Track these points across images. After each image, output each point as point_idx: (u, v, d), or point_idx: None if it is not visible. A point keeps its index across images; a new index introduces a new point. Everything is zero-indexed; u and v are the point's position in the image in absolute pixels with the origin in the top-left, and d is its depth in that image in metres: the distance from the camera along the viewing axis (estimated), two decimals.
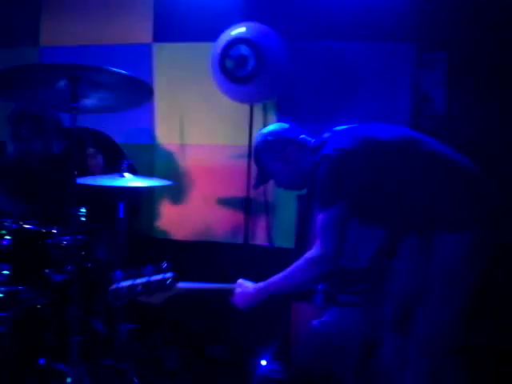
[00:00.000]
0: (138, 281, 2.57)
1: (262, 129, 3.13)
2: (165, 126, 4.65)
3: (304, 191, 3.10)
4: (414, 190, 2.67)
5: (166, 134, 4.66)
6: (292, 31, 4.27)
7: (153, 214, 4.70)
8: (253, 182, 3.11)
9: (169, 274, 2.61)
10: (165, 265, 2.61)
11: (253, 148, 3.02)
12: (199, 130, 4.59)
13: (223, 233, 4.55)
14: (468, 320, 2.65)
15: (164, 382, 3.89)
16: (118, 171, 3.42)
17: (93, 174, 3.68)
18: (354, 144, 2.69)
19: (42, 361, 3.21)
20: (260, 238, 4.47)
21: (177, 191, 4.62)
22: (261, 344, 3.86)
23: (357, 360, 3.17)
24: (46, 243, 3.24)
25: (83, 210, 3.23)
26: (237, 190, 4.37)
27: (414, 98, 4.18)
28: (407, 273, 2.83)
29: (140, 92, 3.31)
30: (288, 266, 2.69)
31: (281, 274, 2.69)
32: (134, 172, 3.78)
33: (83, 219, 3.27)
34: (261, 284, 2.73)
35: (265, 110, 4.41)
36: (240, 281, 2.79)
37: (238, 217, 4.40)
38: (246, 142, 4.23)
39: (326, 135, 2.85)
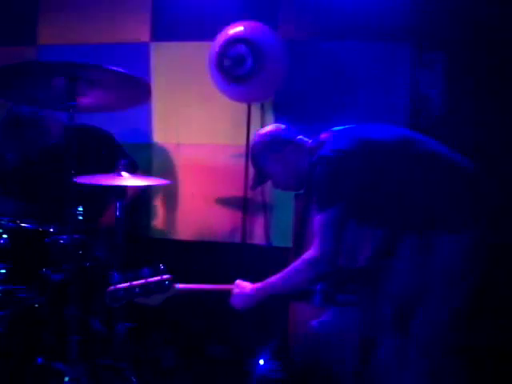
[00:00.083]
0: (136, 282, 2.57)
1: (259, 128, 3.15)
2: (162, 125, 4.64)
3: (301, 191, 3.10)
4: (413, 190, 2.67)
5: (163, 133, 4.65)
6: (290, 30, 4.29)
7: (150, 214, 4.69)
8: (250, 181, 3.11)
9: (166, 276, 2.61)
10: (162, 266, 2.61)
11: (250, 149, 3.02)
12: (197, 129, 4.58)
13: (221, 232, 4.54)
14: (468, 320, 2.65)
15: (162, 381, 3.89)
16: (116, 170, 3.40)
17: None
18: (352, 145, 2.69)
19: (40, 360, 3.20)
20: (258, 238, 4.46)
21: (174, 191, 4.61)
22: (259, 343, 3.85)
23: (355, 360, 3.16)
24: (43, 242, 3.23)
25: (80, 208, 3.22)
26: (234, 189, 4.36)
27: (413, 98, 4.18)
28: (407, 273, 2.82)
29: (138, 91, 3.30)
30: (286, 265, 2.70)
31: (278, 275, 2.70)
32: (135, 169, 3.79)
33: (81, 218, 3.25)
34: (258, 285, 2.73)
35: (262, 109, 4.40)
36: (238, 281, 2.79)
37: (236, 216, 4.39)
38: (244, 142, 4.23)
39: (324, 136, 2.85)
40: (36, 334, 3.30)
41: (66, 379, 2.95)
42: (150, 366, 3.92)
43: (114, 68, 2.93)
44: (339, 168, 2.64)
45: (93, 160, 3.61)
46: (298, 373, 3.58)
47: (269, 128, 3.01)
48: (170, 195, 4.63)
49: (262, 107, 4.40)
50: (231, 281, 2.80)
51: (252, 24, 4.05)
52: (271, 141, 2.89)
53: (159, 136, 4.65)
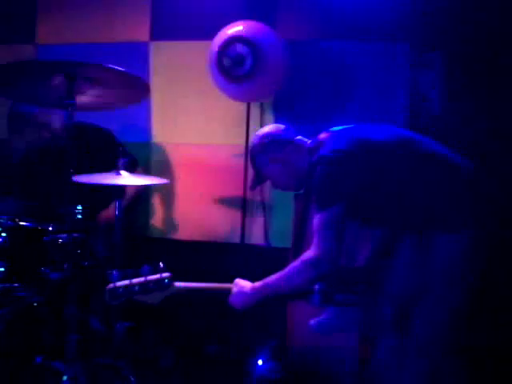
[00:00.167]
0: (135, 280, 2.57)
1: (258, 128, 3.14)
2: (161, 124, 4.64)
3: (301, 192, 3.10)
4: (412, 190, 2.67)
5: (162, 133, 4.64)
6: (289, 30, 4.28)
7: (149, 213, 4.68)
8: (249, 181, 3.11)
9: (166, 274, 2.61)
10: (162, 265, 2.61)
11: (249, 149, 3.01)
12: (196, 129, 4.57)
13: (220, 232, 4.54)
14: (468, 320, 2.64)
15: (160, 380, 3.89)
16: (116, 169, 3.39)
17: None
18: (351, 145, 2.70)
19: (38, 359, 3.19)
20: (257, 238, 4.45)
21: (173, 190, 4.61)
22: (258, 343, 3.86)
23: (355, 360, 3.17)
24: (42, 241, 3.23)
25: (79, 207, 3.21)
26: (234, 189, 4.35)
27: (411, 98, 4.18)
28: (406, 272, 2.82)
29: (136, 89, 3.30)
30: (285, 265, 2.70)
31: (277, 275, 2.70)
32: (135, 167, 3.78)
33: (80, 217, 3.25)
34: (257, 284, 2.73)
35: (262, 108, 4.39)
36: (237, 280, 2.79)
37: (235, 216, 4.38)
38: (243, 141, 4.23)
39: (323, 136, 2.85)
40: (35, 332, 3.30)
41: (65, 378, 2.95)
42: (148, 366, 3.91)
43: (113, 66, 2.93)
44: (339, 168, 2.64)
45: (93, 158, 3.62)
46: (296, 373, 3.58)
47: (268, 128, 3.01)
48: (169, 195, 4.62)
49: (262, 106, 4.39)
50: (230, 281, 2.80)
51: (252, 23, 4.04)
52: (270, 141, 2.89)
53: (158, 135, 4.64)
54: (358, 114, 4.14)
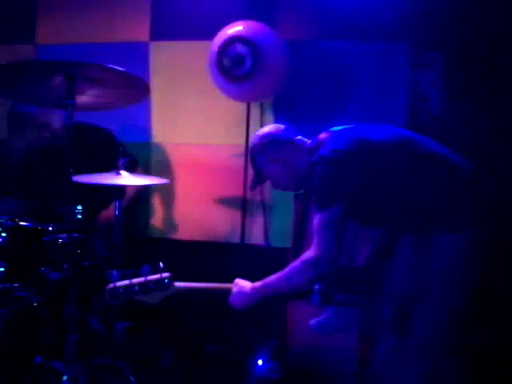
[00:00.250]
0: (135, 280, 2.57)
1: (258, 128, 3.14)
2: (161, 124, 4.64)
3: (301, 192, 3.10)
4: (412, 190, 2.67)
5: (162, 133, 4.64)
6: (289, 30, 4.28)
7: (149, 213, 4.68)
8: (250, 181, 3.11)
9: (166, 274, 2.61)
10: (161, 265, 2.61)
11: (249, 149, 3.01)
12: (196, 129, 4.57)
13: (220, 232, 4.54)
14: (468, 320, 2.64)
15: (160, 380, 3.89)
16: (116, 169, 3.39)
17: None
18: (351, 145, 2.70)
19: (38, 359, 3.19)
20: (257, 238, 4.45)
21: (173, 190, 4.61)
22: (257, 343, 3.86)
23: (354, 360, 3.17)
24: (42, 241, 3.23)
25: (79, 207, 3.21)
26: (234, 189, 4.35)
27: (411, 98, 4.18)
28: (406, 272, 2.82)
29: (136, 89, 3.30)
30: (285, 266, 2.70)
31: (277, 275, 2.70)
32: (135, 167, 3.78)
33: (80, 217, 3.24)
34: (257, 284, 2.73)
35: (262, 108, 4.39)
36: (237, 280, 2.79)
37: (235, 216, 4.38)
38: (243, 141, 4.23)
39: (323, 136, 2.85)
40: (35, 332, 3.30)
41: (65, 378, 2.95)
42: (148, 366, 3.91)
43: (113, 66, 2.93)
44: (339, 168, 2.64)
45: (93, 158, 3.62)
46: (296, 373, 3.58)
47: (268, 128, 3.01)
48: (169, 195, 4.62)
49: (262, 107, 4.39)
50: (230, 281, 2.80)
51: (252, 23, 4.04)
52: (270, 141, 2.89)
53: (158, 135, 4.64)
54: (358, 114, 4.14)
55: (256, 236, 4.45)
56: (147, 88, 3.40)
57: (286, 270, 2.67)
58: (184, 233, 4.59)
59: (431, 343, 2.62)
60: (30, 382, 3.20)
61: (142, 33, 4.61)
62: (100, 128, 4.04)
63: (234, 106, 4.30)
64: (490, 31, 3.88)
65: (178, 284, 2.65)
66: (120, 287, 2.55)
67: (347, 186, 2.64)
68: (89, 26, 4.66)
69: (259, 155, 2.90)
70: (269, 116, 4.38)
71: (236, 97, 4.18)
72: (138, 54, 4.59)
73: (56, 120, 3.83)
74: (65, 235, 3.12)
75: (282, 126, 2.97)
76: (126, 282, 2.56)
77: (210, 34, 4.13)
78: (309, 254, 2.62)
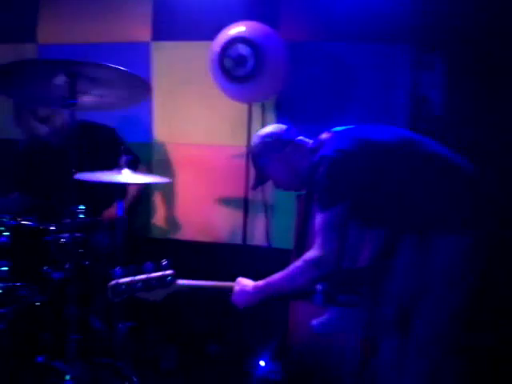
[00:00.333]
0: (138, 277, 2.57)
1: (260, 129, 3.13)
2: (163, 124, 4.65)
3: (303, 192, 3.10)
4: (413, 190, 2.67)
5: (164, 133, 4.65)
6: (291, 31, 4.29)
7: (150, 214, 4.69)
8: (251, 182, 3.11)
9: (168, 271, 2.61)
10: (165, 262, 2.62)
11: (251, 149, 3.02)
12: (197, 129, 4.58)
13: (221, 233, 4.55)
14: (468, 320, 2.64)
15: (162, 380, 3.89)
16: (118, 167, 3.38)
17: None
18: (353, 145, 2.69)
19: (40, 358, 3.20)
20: (258, 239, 4.46)
21: (175, 191, 4.62)
22: (259, 344, 3.86)
23: (356, 360, 3.16)
24: (44, 240, 3.23)
25: (82, 206, 3.21)
26: (235, 189, 4.36)
27: (412, 99, 4.19)
28: (407, 273, 2.82)
29: (138, 89, 3.30)
30: (287, 266, 2.69)
31: (280, 274, 2.70)
32: (137, 165, 3.78)
33: (82, 216, 3.25)
34: (260, 283, 2.73)
35: (263, 109, 4.40)
36: (239, 279, 2.79)
37: (237, 217, 4.39)
38: (245, 142, 4.24)
39: (324, 136, 2.85)
40: (36, 332, 3.30)
41: (67, 378, 2.95)
42: (149, 366, 3.91)
43: (115, 66, 2.94)
44: (341, 168, 2.64)
45: (95, 156, 3.61)
46: (298, 373, 3.58)
47: (269, 128, 3.01)
48: (171, 195, 4.63)
49: (263, 107, 4.39)
50: (232, 281, 2.80)
51: (253, 24, 4.05)
52: (272, 141, 2.90)
53: (159, 136, 4.65)
54: (359, 114, 4.14)
55: (258, 237, 4.46)
56: (149, 88, 3.40)
57: (289, 269, 2.68)
58: (185, 233, 4.60)
59: (432, 343, 2.62)
60: (31, 381, 3.21)
61: (143, 33, 4.61)
62: (102, 126, 4.04)
63: (235, 107, 4.31)
64: (491, 31, 3.89)
65: (180, 281, 2.65)
66: (122, 284, 2.55)
67: (349, 186, 2.64)
68: (90, 25, 4.66)
69: (261, 155, 2.91)
70: (270, 116, 4.39)
71: (237, 97, 4.18)
72: (139, 54, 4.59)
73: (58, 116, 3.83)
74: (67, 235, 3.12)
75: (283, 126, 2.97)
76: (129, 278, 2.57)
77: (211, 35, 4.13)
78: (311, 253, 2.62)
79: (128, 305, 3.32)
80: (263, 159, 2.91)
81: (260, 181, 3.01)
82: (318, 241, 2.62)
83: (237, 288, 2.75)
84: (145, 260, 2.66)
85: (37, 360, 3.21)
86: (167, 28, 4.58)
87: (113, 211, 3.68)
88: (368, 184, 2.66)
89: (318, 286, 2.80)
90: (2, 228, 3.21)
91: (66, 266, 3.08)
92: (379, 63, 4.23)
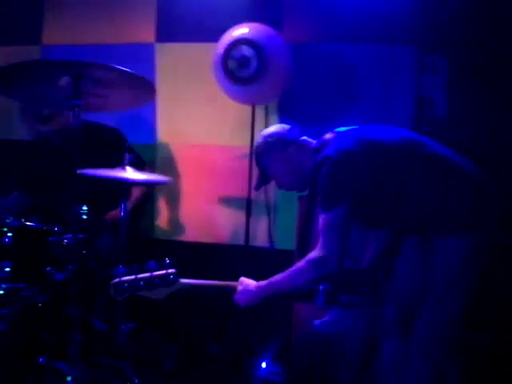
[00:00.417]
0: (140, 276, 2.57)
1: (263, 130, 3.13)
2: (166, 125, 4.65)
3: (305, 192, 3.10)
4: (416, 191, 2.68)
5: (167, 134, 4.66)
6: (295, 32, 4.30)
7: (154, 215, 4.69)
8: (254, 183, 3.11)
9: (171, 270, 2.61)
10: (167, 261, 2.62)
11: (254, 149, 3.02)
12: (201, 131, 4.59)
13: (224, 234, 4.55)
14: (469, 320, 2.65)
15: (163, 381, 3.88)
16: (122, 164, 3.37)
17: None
18: (356, 145, 2.70)
19: (41, 359, 3.19)
20: (261, 240, 4.46)
21: (178, 192, 4.63)
22: (261, 345, 3.86)
23: (358, 361, 3.16)
24: (47, 241, 3.23)
25: (85, 207, 3.21)
26: (238, 191, 4.34)
27: (416, 101, 4.19)
28: (408, 273, 2.83)
29: (142, 90, 3.30)
30: (289, 267, 2.69)
31: (283, 274, 2.70)
32: (142, 166, 3.79)
33: (85, 217, 3.25)
34: (262, 283, 2.73)
35: (266, 110, 4.41)
36: (242, 278, 2.79)
37: (239, 218, 4.38)
38: (248, 143, 4.23)
39: (328, 136, 2.86)
40: (38, 332, 3.30)
41: (68, 378, 2.95)
42: (151, 366, 3.91)
43: (119, 67, 2.94)
44: (344, 168, 2.64)
45: (100, 157, 3.60)
46: (300, 374, 3.57)
47: (273, 128, 3.02)
48: (174, 196, 4.64)
49: (266, 109, 4.40)
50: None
51: (257, 26, 4.05)
52: (275, 141, 2.90)
53: (163, 136, 4.66)
54: (363, 116, 4.13)
55: (260, 238, 4.46)
56: (153, 89, 3.40)
57: (292, 269, 2.68)
58: (188, 234, 4.60)
59: (433, 343, 2.63)
60: (32, 381, 3.20)
61: (147, 34, 4.62)
62: (106, 126, 4.05)
63: (238, 108, 4.31)
64: (494, 32, 3.90)
65: (182, 280, 2.65)
66: (125, 282, 2.55)
67: (352, 187, 2.64)
68: (94, 27, 4.68)
69: (264, 155, 2.91)
70: (273, 118, 4.39)
71: (241, 99, 4.18)
72: (143, 56, 4.60)
73: (61, 117, 3.83)
74: (70, 236, 3.12)
75: (287, 126, 2.97)
76: (132, 277, 2.57)
77: (215, 36, 4.14)
78: (314, 254, 2.62)
79: (130, 305, 3.31)
80: (266, 159, 2.91)
81: (263, 181, 3.01)
82: (320, 241, 2.62)
83: (240, 287, 2.75)
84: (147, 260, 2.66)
85: (38, 360, 3.20)
86: (171, 30, 4.60)
87: (116, 212, 3.68)
88: (371, 184, 2.66)
89: (320, 287, 2.80)
90: (5, 229, 3.21)
91: (69, 267, 3.07)
92: (382, 64, 4.23)
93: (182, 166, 4.62)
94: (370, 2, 4.16)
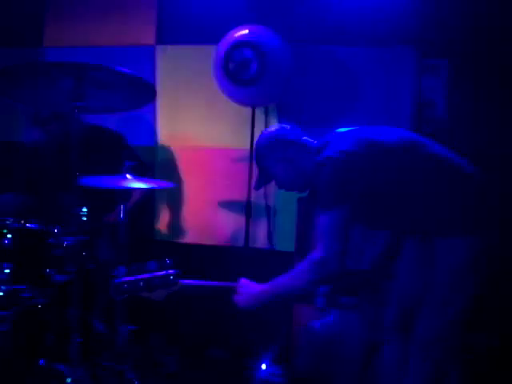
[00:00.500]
0: (141, 276, 2.56)
1: (263, 129, 3.13)
2: (167, 128, 4.67)
3: (305, 193, 3.09)
4: (416, 191, 2.67)
5: (167, 136, 4.67)
6: (295, 34, 4.30)
7: (154, 217, 4.70)
8: (254, 185, 3.10)
9: (171, 271, 2.61)
10: (168, 261, 2.61)
11: (254, 148, 3.01)
12: (201, 132, 4.60)
13: (224, 235, 4.56)
14: (470, 321, 2.65)
15: (163, 383, 3.88)
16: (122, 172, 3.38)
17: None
18: (357, 146, 2.69)
19: (42, 361, 3.19)
20: (261, 242, 4.47)
21: (178, 194, 4.63)
22: (261, 347, 3.85)
23: (358, 362, 3.16)
24: (47, 243, 3.23)
25: (85, 209, 3.21)
26: (238, 193, 4.36)
27: (416, 103, 4.20)
28: (410, 274, 2.83)
29: (143, 92, 3.30)
30: (289, 269, 2.68)
31: (283, 276, 2.67)
32: (145, 172, 3.79)
33: (85, 219, 3.25)
34: (265, 286, 2.70)
35: (266, 112, 4.42)
36: (243, 280, 2.77)
37: (239, 220, 4.39)
38: (248, 145, 4.23)
39: (329, 137, 2.85)
40: (38, 334, 3.30)
41: (68, 380, 2.95)
42: (152, 369, 3.91)
43: (120, 69, 2.94)
44: (345, 169, 2.62)
45: (102, 161, 3.61)
46: (299, 375, 3.57)
47: (273, 128, 3.00)
48: (174, 198, 4.64)
49: (266, 111, 4.42)
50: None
51: (257, 28, 4.06)
52: (276, 141, 2.88)
53: (163, 138, 4.67)
54: (363, 118, 4.13)
55: (260, 239, 4.47)
56: (153, 91, 3.41)
57: (293, 271, 2.64)
58: (188, 236, 4.61)
59: (434, 344, 2.62)
60: (33, 383, 3.20)
61: (147, 36, 4.64)
62: (109, 130, 4.06)
63: (239, 110, 4.32)
64: (494, 35, 3.90)
65: (183, 281, 2.64)
66: (125, 282, 2.54)
67: (353, 187, 2.62)
68: (95, 29, 4.70)
69: (264, 155, 2.89)
70: (274, 120, 4.40)
71: (241, 101, 4.19)
72: (144, 58, 4.62)
73: (62, 118, 3.84)
74: (70, 237, 3.12)
75: (287, 126, 2.96)
76: (132, 277, 2.56)
77: (215, 38, 4.15)
78: (315, 254, 2.58)
79: (130, 308, 3.32)
80: (267, 159, 2.89)
81: (263, 180, 2.98)
82: (321, 241, 2.59)
83: (241, 290, 2.73)
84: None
85: (39, 362, 3.21)
86: (171, 32, 4.61)
87: (115, 215, 3.69)
88: (371, 185, 2.65)
89: (320, 288, 2.80)
90: (5, 230, 3.20)
91: (69, 269, 3.07)
92: (383, 67, 4.25)
93: (182, 168, 4.63)
94: (370, 3, 4.17)
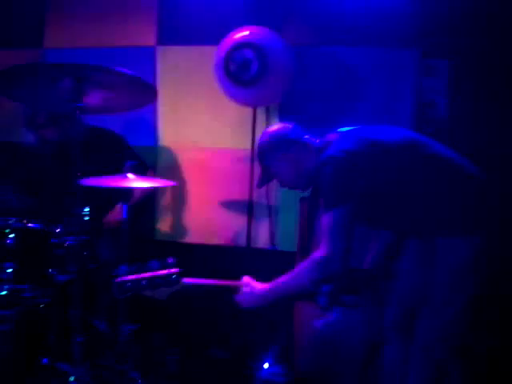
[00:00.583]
0: (144, 275, 2.57)
1: (265, 128, 3.13)
2: (168, 128, 4.66)
3: (308, 192, 3.10)
4: (417, 191, 2.67)
5: (168, 137, 4.67)
6: (295, 35, 4.30)
7: (155, 217, 4.70)
8: (256, 183, 3.11)
9: (174, 269, 2.61)
10: (170, 260, 2.62)
11: (257, 147, 3.01)
12: (202, 133, 4.59)
13: (226, 235, 4.55)
14: (470, 321, 2.65)
15: (165, 383, 3.88)
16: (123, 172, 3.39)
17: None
18: (359, 145, 2.69)
19: (44, 360, 3.20)
20: (262, 242, 4.47)
21: (179, 194, 4.63)
22: (263, 346, 3.86)
23: (360, 361, 3.16)
24: (49, 243, 3.23)
25: (87, 209, 3.22)
26: (239, 193, 4.37)
27: (417, 103, 4.20)
28: (411, 274, 2.84)
29: (144, 93, 3.31)
30: (291, 269, 2.68)
31: (286, 275, 2.67)
32: (145, 171, 3.79)
33: (87, 219, 3.25)
34: (268, 286, 2.70)
35: (268, 113, 4.41)
36: (246, 278, 2.77)
37: (241, 219, 4.39)
38: (249, 146, 4.24)
39: (331, 136, 2.85)
40: (41, 334, 3.31)
41: (71, 379, 2.95)
42: (153, 368, 3.91)
43: (121, 70, 2.95)
44: (347, 168, 2.62)
45: (103, 161, 3.62)
46: (302, 375, 3.57)
47: (275, 127, 3.01)
48: (175, 198, 4.65)
49: (267, 111, 4.41)
50: None
51: (258, 29, 4.06)
52: (278, 140, 2.89)
53: (165, 139, 4.67)
54: (364, 119, 4.11)
55: (262, 239, 4.46)
56: (154, 92, 3.41)
57: (295, 269, 2.64)
58: (190, 236, 4.61)
59: (435, 344, 2.63)
60: (35, 382, 3.20)
61: (148, 37, 4.64)
62: (110, 131, 4.06)
63: (240, 110, 4.33)
64: (495, 36, 3.90)
65: (185, 280, 2.65)
66: (128, 281, 2.54)
67: (355, 186, 2.62)
68: (96, 30, 4.69)
69: (267, 153, 2.90)
70: (275, 120, 4.38)
71: (242, 101, 4.19)
72: (144, 58, 4.62)
73: (63, 120, 3.85)
74: (71, 237, 3.12)
75: (289, 125, 2.97)
76: (134, 276, 2.56)
77: (216, 39, 4.15)
78: (318, 253, 2.58)
79: (132, 307, 3.32)
80: (269, 158, 2.90)
81: (266, 179, 2.99)
82: (324, 240, 2.58)
83: (244, 289, 2.74)
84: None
85: (41, 362, 3.22)
86: (172, 32, 4.61)
87: (116, 214, 3.69)
88: (373, 184, 2.65)
89: (323, 287, 2.80)
90: (7, 230, 3.21)
91: (71, 269, 3.08)
92: (384, 67, 4.24)
93: (184, 168, 4.63)
94: (371, 4, 4.17)
